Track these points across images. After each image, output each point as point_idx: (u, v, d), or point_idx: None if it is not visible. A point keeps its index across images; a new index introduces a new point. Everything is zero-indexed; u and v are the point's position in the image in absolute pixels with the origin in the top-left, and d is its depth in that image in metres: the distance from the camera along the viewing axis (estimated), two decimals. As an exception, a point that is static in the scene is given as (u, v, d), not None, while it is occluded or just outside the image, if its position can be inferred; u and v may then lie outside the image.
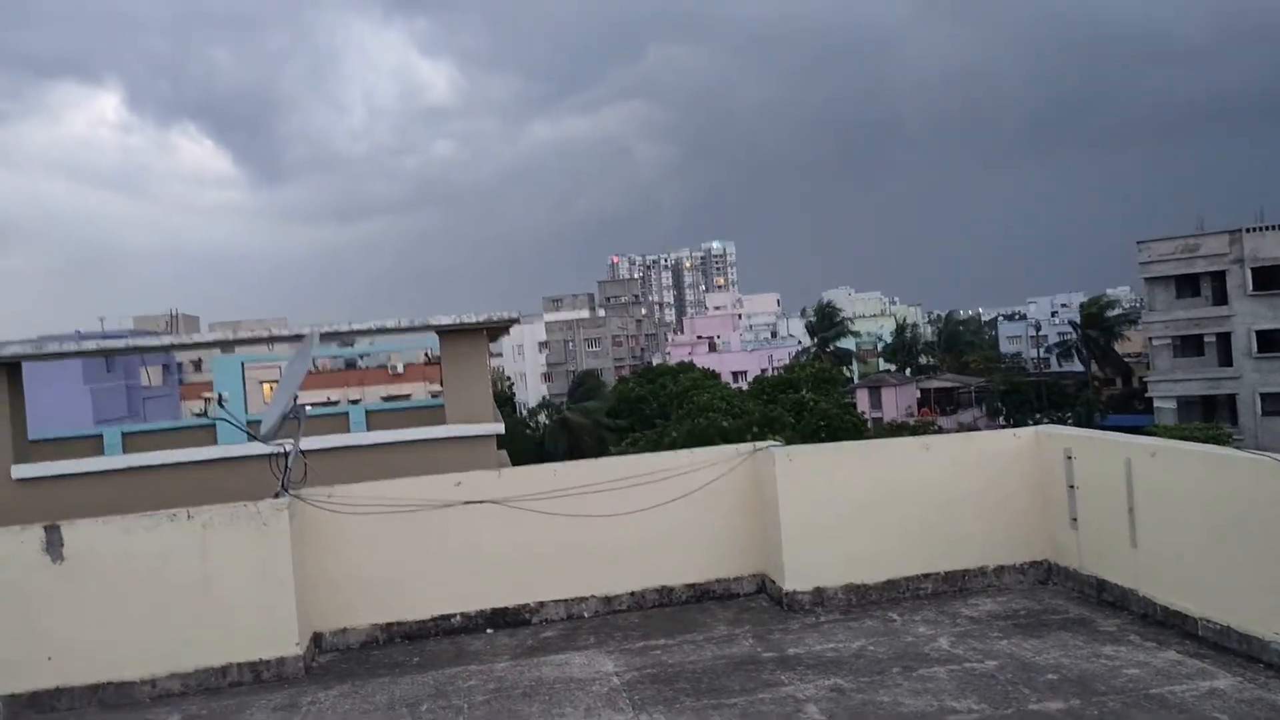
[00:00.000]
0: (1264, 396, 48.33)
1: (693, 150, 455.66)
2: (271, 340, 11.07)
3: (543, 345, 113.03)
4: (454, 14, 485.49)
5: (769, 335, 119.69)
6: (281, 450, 6.75)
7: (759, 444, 7.26)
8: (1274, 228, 48.69)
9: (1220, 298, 50.07)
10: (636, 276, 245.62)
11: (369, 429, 12.34)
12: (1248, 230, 49.11)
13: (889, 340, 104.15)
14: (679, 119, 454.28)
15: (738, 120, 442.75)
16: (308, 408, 7.93)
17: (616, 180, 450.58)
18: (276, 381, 11.26)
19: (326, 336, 10.56)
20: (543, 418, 68.60)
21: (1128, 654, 5.48)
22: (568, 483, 7.02)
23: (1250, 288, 48.66)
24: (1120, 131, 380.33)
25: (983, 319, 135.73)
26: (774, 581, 7.03)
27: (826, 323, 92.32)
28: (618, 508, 7.01)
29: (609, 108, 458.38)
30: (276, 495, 6.51)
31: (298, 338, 9.59)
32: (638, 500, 7.04)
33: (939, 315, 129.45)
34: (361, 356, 60.61)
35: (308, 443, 7.70)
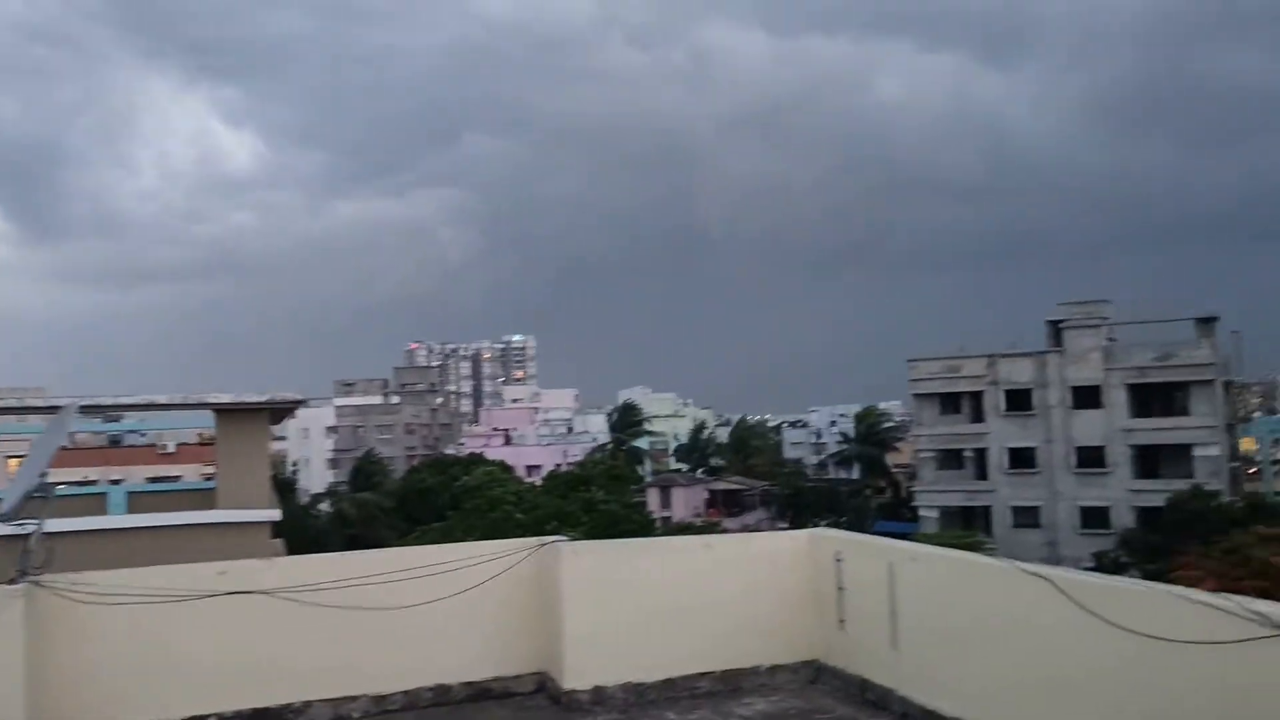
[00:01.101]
0: (1014, 509, 52.54)
1: (499, 240, 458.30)
2: (23, 411, 10.16)
3: (331, 430, 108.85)
4: (265, 84, 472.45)
5: (565, 430, 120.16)
6: (23, 531, 6.15)
7: (545, 539, 7.24)
8: (1024, 355, 53.74)
9: (978, 416, 54.49)
10: (435, 364, 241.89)
11: (131, 512, 11.43)
12: (1002, 356, 53.99)
13: (685, 441, 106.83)
14: (487, 208, 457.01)
15: (546, 214, 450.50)
16: (58, 486, 7.28)
17: (421, 266, 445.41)
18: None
19: (88, 409, 9.81)
20: (326, 506, 65.71)
21: (886, 752, 5.73)
22: (344, 574, 6.73)
23: (1003, 408, 53.24)
24: (903, 259, 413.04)
25: (769, 424, 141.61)
26: (554, 680, 6.94)
27: (627, 421, 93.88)
28: (396, 601, 6.76)
29: (419, 191, 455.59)
30: (12, 581, 5.90)
31: (54, 409, 8.84)
32: (417, 594, 6.82)
33: (729, 419, 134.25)
34: (128, 433, 56.21)
35: (57, 524, 7.04)
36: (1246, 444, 67.16)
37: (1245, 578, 22.53)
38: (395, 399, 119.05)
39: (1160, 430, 49.64)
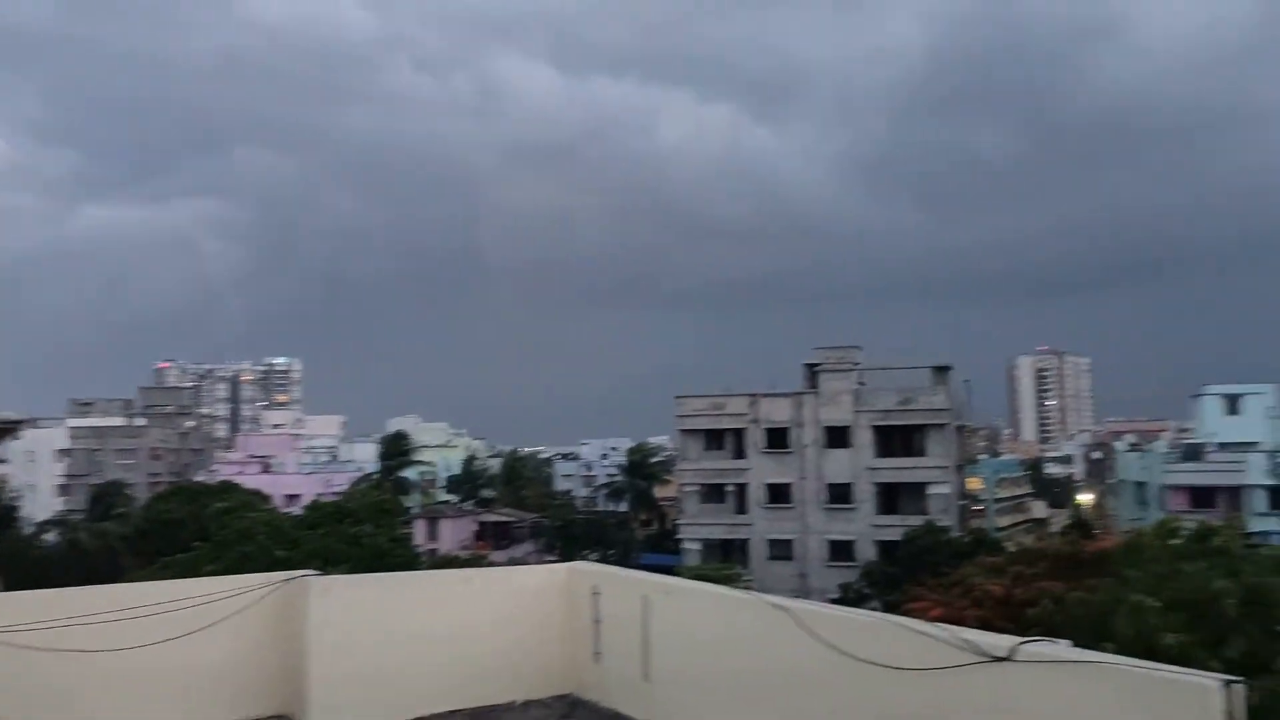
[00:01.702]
0: (771, 542, 55.01)
1: (269, 259, 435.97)
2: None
3: (63, 453, 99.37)
4: (8, 78, 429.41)
5: (330, 459, 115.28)
6: None
7: (291, 574, 6.89)
8: (783, 395, 56.61)
9: (740, 452, 56.80)
10: (188, 385, 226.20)
11: None
12: (763, 395, 56.65)
13: (457, 472, 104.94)
14: (258, 223, 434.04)
15: (320, 234, 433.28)
16: None
17: (179, 280, 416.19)
18: None
19: None
20: (54, 536, 59.72)
21: (634, 784, 5.81)
22: (60, 612, 6.11)
23: (763, 445, 55.79)
24: (677, 296, 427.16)
25: (542, 456, 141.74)
26: (296, 723, 6.58)
27: (395, 450, 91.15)
28: (125, 641, 6.20)
29: (181, 200, 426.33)
30: None
31: None
32: (151, 632, 6.29)
33: (502, 450, 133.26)
34: None
35: None
36: (973, 483, 73.71)
37: (969, 607, 24.55)
38: (140, 421, 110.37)
39: (901, 469, 53.53)
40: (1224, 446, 61.15)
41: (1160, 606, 17.25)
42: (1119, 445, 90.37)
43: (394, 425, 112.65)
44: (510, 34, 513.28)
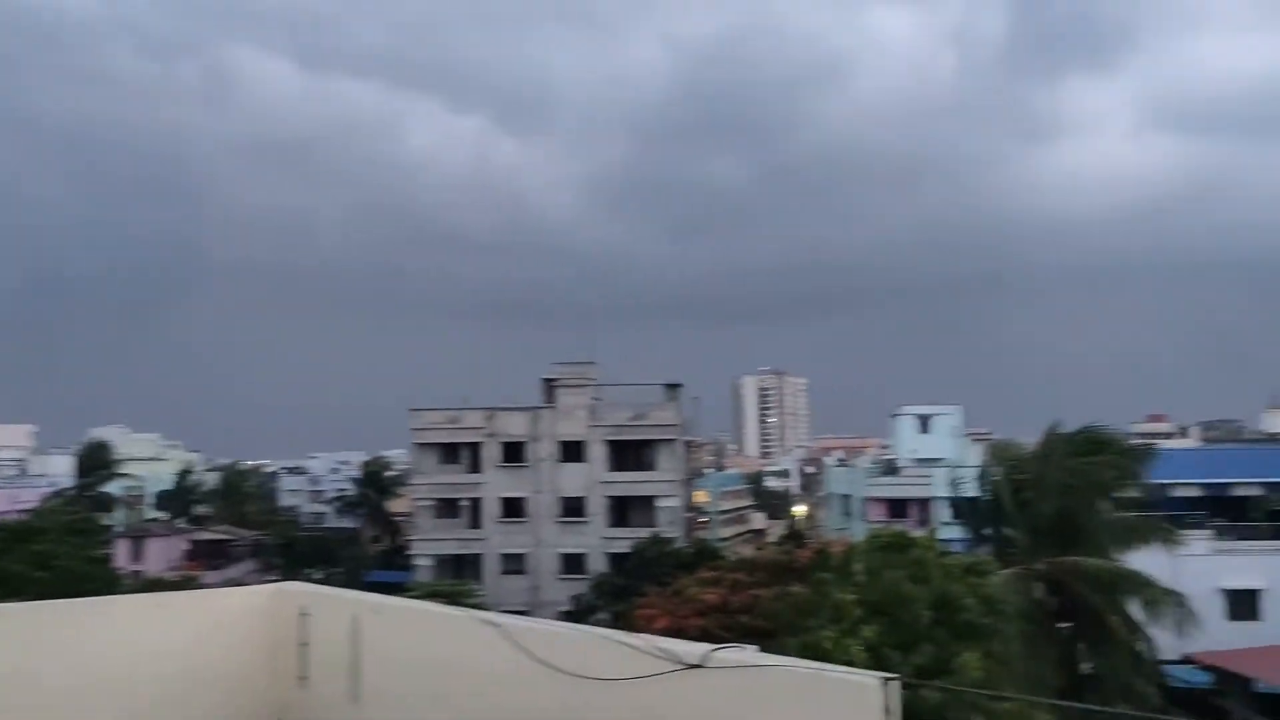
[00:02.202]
0: (505, 557, 54.97)
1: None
2: None
3: None
4: None
5: (18, 473, 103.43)
6: None
7: (-53, 604, 6.14)
8: (520, 409, 56.86)
9: (476, 467, 56.42)
10: None
11: None
12: (500, 410, 56.64)
13: (168, 487, 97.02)
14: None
15: (18, 228, 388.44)
16: None
17: None
18: None
19: None
20: None
21: (336, 812, 5.63)
22: None
23: (500, 460, 55.74)
24: (415, 307, 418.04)
25: (267, 470, 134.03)
26: (-54, 773, 5.86)
27: (96, 462, 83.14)
28: None
29: None
30: None
31: None
32: None
33: (222, 464, 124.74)
34: None
35: None
36: (699, 496, 77.17)
37: (690, 615, 25.68)
38: None
39: (632, 483, 55.15)
40: (919, 462, 67.65)
41: (854, 602, 18.81)
42: (829, 460, 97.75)
43: (96, 436, 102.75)
44: (249, 25, 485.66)
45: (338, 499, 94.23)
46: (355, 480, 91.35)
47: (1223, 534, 43.28)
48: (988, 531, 28.77)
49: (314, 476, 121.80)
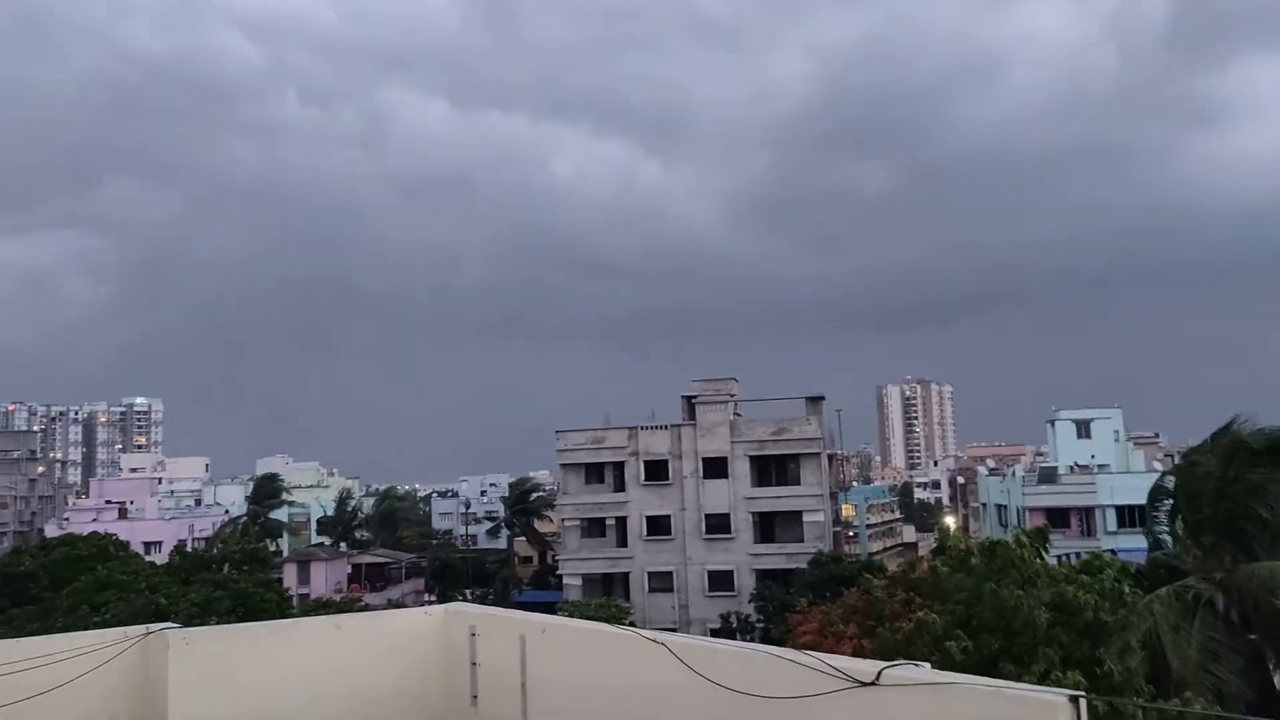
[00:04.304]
0: (651, 574, 55.16)
1: (136, 294, 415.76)
2: None
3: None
4: None
5: (193, 503, 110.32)
6: None
7: (150, 626, 6.59)
8: (661, 427, 57.11)
9: (620, 485, 56.92)
10: (37, 429, 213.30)
11: None
12: (642, 428, 57.02)
13: (331, 513, 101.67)
14: (124, 259, 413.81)
15: (192, 271, 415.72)
16: None
17: (34, 316, 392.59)
18: None
19: None
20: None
21: (512, 828, 5.75)
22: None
23: (642, 478, 56.08)
24: (560, 330, 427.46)
25: (419, 495, 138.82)
26: (155, 785, 6.27)
27: (266, 491, 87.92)
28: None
29: (43, 233, 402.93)
30: None
31: None
32: (-7, 697, 5.92)
33: (377, 489, 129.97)
34: None
35: None
36: (846, 510, 75.71)
37: (849, 634, 25.14)
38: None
39: (777, 498, 54.55)
40: (1076, 468, 64.63)
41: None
42: (981, 470, 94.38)
43: (262, 467, 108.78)
44: (402, 68, 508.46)
45: (488, 520, 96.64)
46: (503, 501, 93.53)
47: None
48: (1164, 537, 27.24)
49: (464, 499, 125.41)
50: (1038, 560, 20.39)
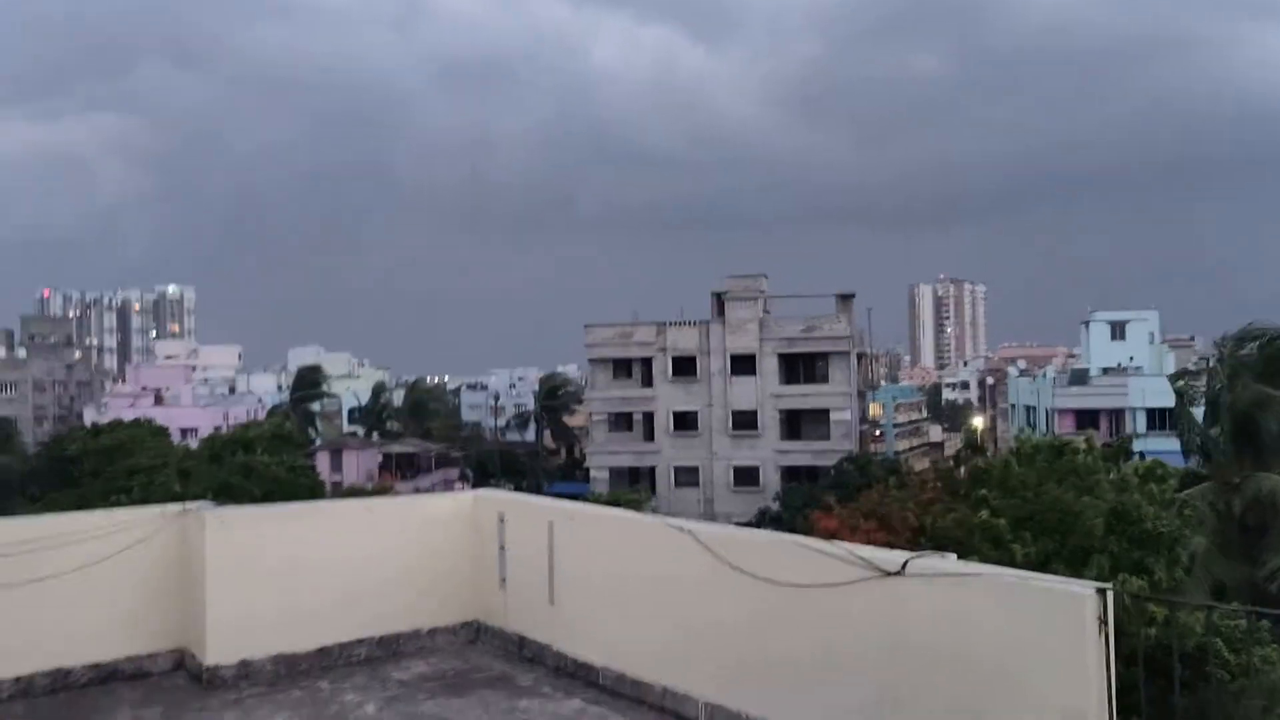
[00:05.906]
0: (678, 470, 55.86)
1: (168, 179, 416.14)
2: None
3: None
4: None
5: (228, 391, 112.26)
6: None
7: (188, 504, 6.72)
8: (689, 324, 57.04)
9: (648, 380, 57.22)
10: (73, 315, 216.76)
11: None
12: (671, 324, 56.99)
13: (364, 403, 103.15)
14: (160, 144, 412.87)
15: (224, 154, 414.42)
16: None
17: (68, 200, 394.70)
18: None
19: None
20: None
21: (539, 706, 5.92)
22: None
23: (670, 374, 56.31)
24: (592, 222, 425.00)
25: (448, 387, 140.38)
26: (194, 656, 6.48)
27: (308, 381, 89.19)
28: (13, 577, 6.01)
29: (74, 117, 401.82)
30: None
31: None
32: (29, 570, 6.09)
33: (407, 380, 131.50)
34: None
35: None
36: (874, 409, 75.84)
37: (872, 529, 25.36)
38: (22, 352, 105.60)
39: (804, 396, 54.70)
40: (1108, 371, 64.11)
41: (1013, 520, 18.26)
42: (1011, 371, 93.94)
43: (295, 355, 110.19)
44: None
45: (517, 414, 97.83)
46: (533, 395, 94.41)
47: None
48: (1195, 442, 27.12)
49: (493, 392, 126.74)
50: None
